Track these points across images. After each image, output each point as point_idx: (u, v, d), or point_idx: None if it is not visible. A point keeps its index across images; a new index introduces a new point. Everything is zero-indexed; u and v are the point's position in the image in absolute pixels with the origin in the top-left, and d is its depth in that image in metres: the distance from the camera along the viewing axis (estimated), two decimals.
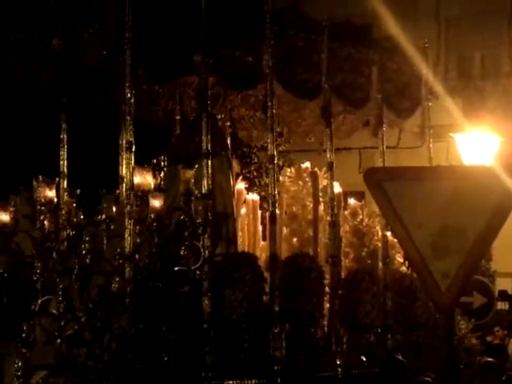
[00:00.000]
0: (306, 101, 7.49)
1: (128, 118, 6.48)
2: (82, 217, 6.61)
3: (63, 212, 6.82)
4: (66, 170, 7.71)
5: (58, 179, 6.95)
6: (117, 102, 7.05)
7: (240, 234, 8.06)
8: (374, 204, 4.08)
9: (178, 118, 8.05)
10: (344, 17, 7.90)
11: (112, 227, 6.38)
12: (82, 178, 7.69)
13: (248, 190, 8.54)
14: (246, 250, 7.82)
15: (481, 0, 14.07)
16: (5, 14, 7.10)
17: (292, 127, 8.51)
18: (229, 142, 8.60)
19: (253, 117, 8.34)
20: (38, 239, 6.54)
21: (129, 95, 6.45)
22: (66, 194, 7.26)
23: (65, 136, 7.74)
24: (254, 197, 8.29)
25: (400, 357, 6.61)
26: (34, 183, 6.68)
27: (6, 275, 6.47)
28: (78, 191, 6.84)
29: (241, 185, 8.39)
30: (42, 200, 6.59)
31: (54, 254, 6.41)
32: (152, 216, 6.30)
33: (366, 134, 8.45)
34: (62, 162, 7.74)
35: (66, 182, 7.67)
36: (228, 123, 8.58)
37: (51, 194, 6.62)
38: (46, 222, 6.53)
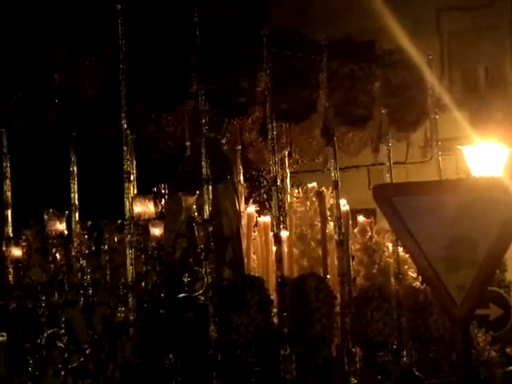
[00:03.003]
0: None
1: (125, 148, 6.51)
2: (93, 248, 6.67)
3: (75, 244, 6.87)
4: (77, 202, 7.76)
5: (67, 212, 6.99)
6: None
7: (254, 256, 8.08)
8: (385, 220, 4.07)
9: (188, 144, 8.09)
10: (346, 35, 7.91)
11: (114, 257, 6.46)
12: (91, 209, 7.73)
13: (259, 212, 8.55)
14: (259, 272, 7.83)
15: (482, 13, 14.10)
16: (9, 52, 7.18)
17: (304, 147, 8.54)
18: (240, 165, 8.65)
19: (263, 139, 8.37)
20: (51, 272, 6.58)
21: (125, 126, 6.48)
22: (78, 226, 7.31)
23: (75, 168, 7.81)
24: (265, 219, 8.29)
25: (417, 373, 6.57)
26: (45, 217, 6.73)
27: (19, 310, 6.51)
28: (89, 223, 6.88)
29: (251, 208, 8.42)
30: (53, 233, 6.64)
31: (67, 287, 6.45)
32: (153, 244, 6.35)
33: None
34: (72, 195, 7.80)
35: (77, 214, 7.72)
36: (239, 147, 8.62)
37: (62, 226, 6.67)
38: (57, 255, 6.57)
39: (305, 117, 7.35)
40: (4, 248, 7.38)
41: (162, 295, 6.36)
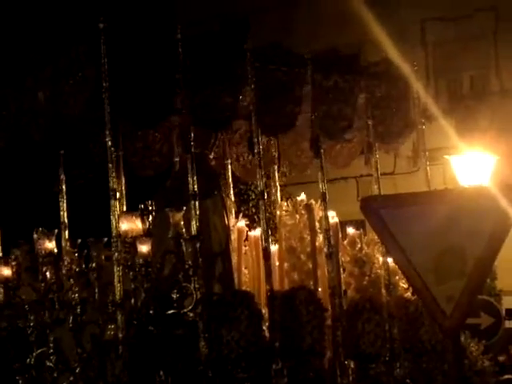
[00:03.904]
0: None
1: (110, 165, 6.52)
2: (83, 266, 6.67)
3: (65, 262, 6.87)
4: (66, 220, 7.76)
5: (56, 230, 6.98)
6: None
7: (245, 271, 8.08)
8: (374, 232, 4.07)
9: (176, 159, 8.10)
10: (330, 47, 7.94)
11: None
12: (80, 227, 7.72)
13: (249, 226, 8.55)
14: (251, 286, 7.83)
15: (465, 24, 14.19)
16: None
17: (293, 160, 8.56)
18: (230, 179, 8.66)
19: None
20: (41, 291, 6.57)
21: (109, 143, 6.49)
22: (68, 244, 7.31)
23: (63, 187, 7.81)
24: (255, 233, 8.29)
25: None
26: (35, 235, 6.72)
27: (9, 329, 6.49)
28: (79, 241, 6.88)
29: (241, 222, 8.42)
30: (43, 252, 6.63)
31: (57, 305, 6.44)
32: (141, 261, 6.36)
33: (363, 162, 8.47)
34: (62, 213, 7.79)
35: (67, 232, 7.71)
36: (228, 161, 8.64)
37: (51, 245, 6.67)
38: (47, 274, 6.56)
39: (290, 130, 7.37)
40: None
41: (151, 312, 6.35)
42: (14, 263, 6.88)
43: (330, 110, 7.45)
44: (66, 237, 7.68)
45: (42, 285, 6.61)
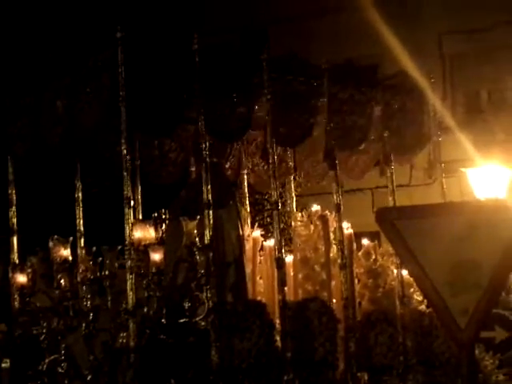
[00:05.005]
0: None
1: (125, 173, 6.54)
2: (98, 274, 6.69)
3: (80, 270, 6.90)
4: (82, 228, 7.78)
5: (72, 238, 7.01)
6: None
7: (261, 281, 8.07)
8: (389, 243, 4.07)
9: (192, 169, 8.12)
10: (347, 59, 7.94)
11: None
12: (96, 235, 7.74)
13: (265, 236, 8.56)
14: (265, 296, 7.82)
15: (483, 37, 14.16)
16: (12, 81, 7.23)
17: (309, 171, 8.57)
18: (246, 189, 8.67)
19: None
20: (56, 298, 6.60)
21: (125, 152, 6.51)
22: (83, 251, 7.34)
23: (80, 195, 7.84)
24: (270, 243, 8.30)
25: None
26: (50, 243, 6.76)
27: (24, 335, 6.52)
28: (94, 248, 6.91)
29: (257, 232, 8.42)
30: (58, 259, 6.67)
31: (71, 312, 6.47)
32: (153, 269, 6.37)
33: (378, 173, 8.46)
34: (78, 221, 7.82)
35: (82, 240, 7.74)
36: (244, 171, 8.65)
37: (66, 253, 6.70)
38: (62, 281, 6.59)
39: (302, 141, 7.37)
40: (10, 274, 7.39)
41: (163, 320, 6.36)
42: (29, 270, 6.92)
43: (346, 122, 7.45)
44: (82, 244, 7.70)
45: (57, 292, 6.64)
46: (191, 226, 6.61)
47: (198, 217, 6.70)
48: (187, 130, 7.18)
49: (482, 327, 3.86)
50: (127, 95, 6.46)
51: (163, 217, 7.55)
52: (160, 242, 6.79)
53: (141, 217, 8.01)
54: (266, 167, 8.27)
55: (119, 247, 6.69)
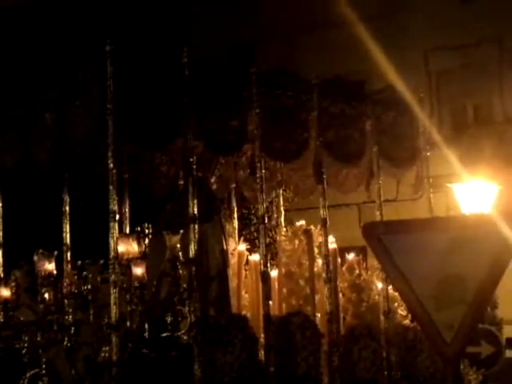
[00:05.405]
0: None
1: (111, 187, 6.51)
2: (83, 287, 6.66)
3: (65, 284, 6.87)
4: (68, 241, 7.75)
5: (56, 252, 6.98)
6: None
7: (246, 295, 8.05)
8: (375, 258, 4.06)
9: (181, 182, 8.11)
10: (335, 75, 7.97)
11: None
12: (81, 249, 7.71)
13: (250, 250, 8.55)
14: (251, 310, 7.80)
15: (469, 53, 14.25)
16: (3, 92, 7.21)
17: (298, 185, 8.57)
18: (234, 203, 8.66)
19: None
20: (40, 312, 6.56)
21: (111, 165, 6.48)
22: (69, 265, 7.31)
23: (67, 208, 7.81)
24: (256, 257, 8.29)
25: None
26: (35, 257, 6.72)
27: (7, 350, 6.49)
28: (79, 262, 6.89)
29: (242, 246, 8.41)
30: (43, 273, 6.63)
31: (56, 326, 6.43)
32: (135, 283, 6.35)
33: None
34: (64, 234, 7.79)
35: (69, 253, 7.70)
36: (233, 185, 8.64)
37: (51, 266, 6.66)
38: (46, 295, 6.56)
39: (296, 155, 7.37)
40: None
41: (146, 335, 6.33)
42: (13, 284, 6.88)
43: (340, 135, 7.46)
44: (68, 258, 7.67)
45: (41, 306, 6.60)
46: (174, 240, 6.59)
47: (182, 231, 6.68)
48: (175, 143, 7.16)
49: (469, 342, 3.86)
50: (117, 108, 6.44)
51: (146, 231, 7.53)
52: (143, 257, 6.77)
53: (128, 231, 7.99)
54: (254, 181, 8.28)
55: (102, 261, 6.66)
